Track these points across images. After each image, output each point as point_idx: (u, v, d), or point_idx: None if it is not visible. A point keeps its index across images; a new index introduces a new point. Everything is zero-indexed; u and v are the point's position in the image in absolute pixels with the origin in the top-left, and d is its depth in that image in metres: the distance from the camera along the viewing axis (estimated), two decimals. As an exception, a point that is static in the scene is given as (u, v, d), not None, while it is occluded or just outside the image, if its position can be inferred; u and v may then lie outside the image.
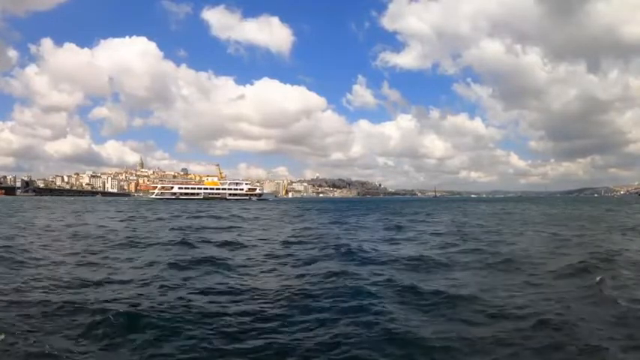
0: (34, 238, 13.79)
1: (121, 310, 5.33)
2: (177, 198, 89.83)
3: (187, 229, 18.09)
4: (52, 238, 14.24)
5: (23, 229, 17.46)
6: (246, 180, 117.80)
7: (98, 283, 7.15)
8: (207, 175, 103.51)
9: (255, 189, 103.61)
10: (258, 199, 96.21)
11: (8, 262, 9.05)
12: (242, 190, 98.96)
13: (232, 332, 4.88)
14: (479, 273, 8.34)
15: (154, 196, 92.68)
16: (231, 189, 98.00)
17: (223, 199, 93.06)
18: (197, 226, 19.61)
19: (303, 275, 8.08)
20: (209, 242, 13.07)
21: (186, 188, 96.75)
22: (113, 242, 12.88)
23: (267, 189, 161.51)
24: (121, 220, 23.76)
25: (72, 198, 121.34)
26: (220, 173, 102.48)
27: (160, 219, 25.60)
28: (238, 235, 15.94)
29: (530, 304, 5.80)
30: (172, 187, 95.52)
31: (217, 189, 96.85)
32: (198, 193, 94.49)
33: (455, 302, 6.01)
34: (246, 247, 12.29)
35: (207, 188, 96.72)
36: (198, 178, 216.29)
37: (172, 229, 18.13)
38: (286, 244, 13.01)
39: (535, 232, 16.40)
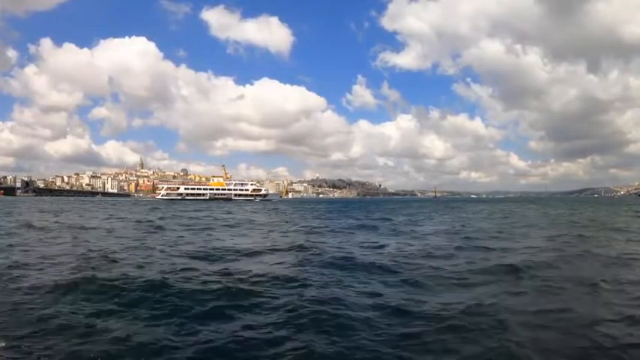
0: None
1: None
2: (183, 199, 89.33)
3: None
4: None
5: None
6: (247, 180, 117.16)
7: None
8: (213, 176, 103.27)
9: (261, 189, 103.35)
10: (262, 200, 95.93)
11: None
12: (247, 190, 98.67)
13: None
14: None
15: (160, 197, 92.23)
16: (236, 189, 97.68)
17: (229, 199, 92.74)
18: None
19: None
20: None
21: (192, 189, 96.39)
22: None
23: (270, 189, 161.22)
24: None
25: (72, 198, 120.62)
26: (226, 174, 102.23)
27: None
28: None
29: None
30: (178, 188, 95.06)
31: (223, 189, 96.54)
32: (204, 194, 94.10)
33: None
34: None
35: (213, 189, 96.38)
36: (198, 179, 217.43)
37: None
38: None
39: (539, 237, 14.64)
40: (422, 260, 9.59)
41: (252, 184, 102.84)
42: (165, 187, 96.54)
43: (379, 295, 6.39)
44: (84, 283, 6.68)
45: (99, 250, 10.53)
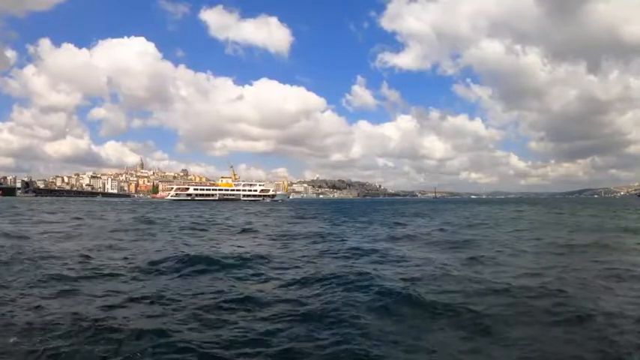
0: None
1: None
2: (192, 199, 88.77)
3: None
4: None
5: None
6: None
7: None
8: (222, 177, 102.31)
9: (269, 190, 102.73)
10: (271, 200, 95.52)
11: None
12: (256, 191, 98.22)
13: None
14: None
15: (169, 197, 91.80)
16: (245, 190, 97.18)
17: (237, 200, 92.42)
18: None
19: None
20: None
21: (201, 189, 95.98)
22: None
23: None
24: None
25: (72, 199, 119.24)
26: (234, 174, 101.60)
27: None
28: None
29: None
30: (188, 189, 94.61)
31: (232, 190, 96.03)
32: (213, 195, 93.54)
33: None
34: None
35: (222, 189, 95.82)
36: (198, 179, 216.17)
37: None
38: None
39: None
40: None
41: (260, 185, 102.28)
42: (175, 187, 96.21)
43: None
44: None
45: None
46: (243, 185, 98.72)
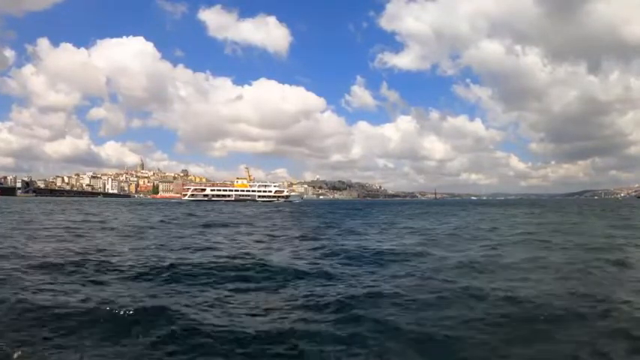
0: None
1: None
2: (209, 200, 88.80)
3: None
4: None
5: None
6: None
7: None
8: (237, 178, 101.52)
9: (283, 191, 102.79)
10: (285, 201, 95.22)
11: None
12: (270, 192, 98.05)
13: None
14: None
15: (186, 198, 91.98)
16: (260, 191, 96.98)
17: (253, 200, 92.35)
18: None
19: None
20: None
21: (218, 190, 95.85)
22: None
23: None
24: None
25: (70, 199, 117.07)
26: (249, 176, 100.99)
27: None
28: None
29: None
30: (204, 189, 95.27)
31: (247, 191, 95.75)
32: (229, 195, 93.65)
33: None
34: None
35: (237, 190, 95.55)
36: (198, 180, 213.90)
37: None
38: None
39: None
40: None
41: (275, 186, 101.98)
42: (192, 188, 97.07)
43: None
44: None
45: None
46: (258, 186, 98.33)
